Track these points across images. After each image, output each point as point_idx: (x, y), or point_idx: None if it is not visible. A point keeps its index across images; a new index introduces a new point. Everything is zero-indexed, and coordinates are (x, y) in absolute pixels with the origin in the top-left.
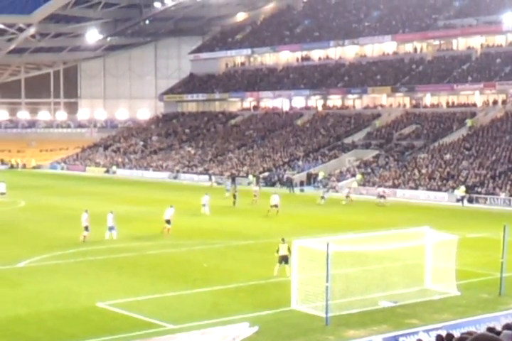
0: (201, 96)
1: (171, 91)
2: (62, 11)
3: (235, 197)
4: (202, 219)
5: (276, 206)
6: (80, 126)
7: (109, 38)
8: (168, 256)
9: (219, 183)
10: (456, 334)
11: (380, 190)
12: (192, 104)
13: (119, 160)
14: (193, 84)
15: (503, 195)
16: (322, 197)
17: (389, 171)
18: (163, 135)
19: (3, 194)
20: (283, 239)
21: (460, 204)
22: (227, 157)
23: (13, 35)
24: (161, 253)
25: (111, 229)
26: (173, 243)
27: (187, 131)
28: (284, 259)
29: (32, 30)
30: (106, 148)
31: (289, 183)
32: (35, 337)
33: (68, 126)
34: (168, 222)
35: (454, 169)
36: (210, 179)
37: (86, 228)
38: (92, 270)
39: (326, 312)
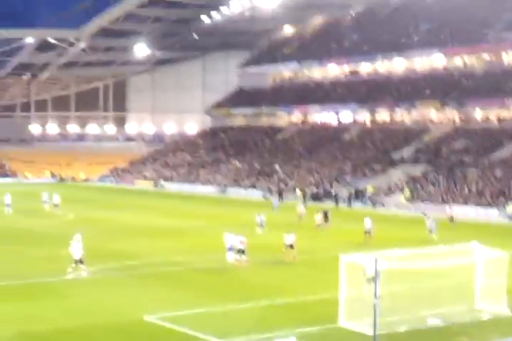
0: (249, 110)
1: (218, 105)
2: (112, 25)
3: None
4: (251, 234)
5: (368, 232)
6: (129, 139)
7: (157, 52)
8: (216, 270)
9: (266, 198)
10: None
11: (449, 210)
12: (240, 118)
13: (167, 173)
14: (240, 98)
15: None
16: (430, 232)
17: (438, 187)
18: (210, 149)
19: (56, 206)
20: None
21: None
22: (273, 172)
23: (63, 50)
24: (209, 268)
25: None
26: (220, 258)
27: (235, 144)
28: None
29: (82, 45)
30: (154, 161)
31: (336, 198)
32: None
33: (117, 140)
34: (291, 246)
35: (505, 185)
36: (272, 194)
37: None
38: (140, 283)
39: (374, 330)
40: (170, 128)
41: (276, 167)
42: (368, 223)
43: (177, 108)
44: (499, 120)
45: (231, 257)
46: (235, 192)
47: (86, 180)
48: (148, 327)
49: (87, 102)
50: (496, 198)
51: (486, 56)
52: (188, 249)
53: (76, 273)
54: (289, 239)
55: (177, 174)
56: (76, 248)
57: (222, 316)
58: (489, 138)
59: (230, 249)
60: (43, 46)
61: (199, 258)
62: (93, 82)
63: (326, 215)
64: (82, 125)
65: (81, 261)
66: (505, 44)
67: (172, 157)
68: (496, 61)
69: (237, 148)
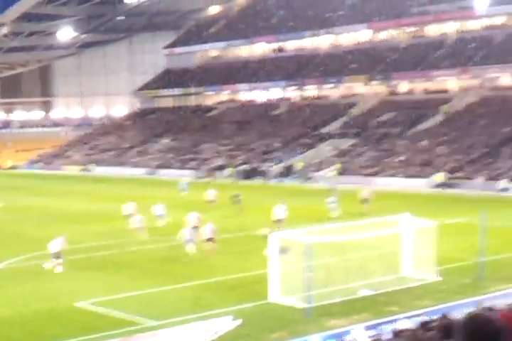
0: (177, 91)
1: (146, 86)
2: (35, 9)
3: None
4: (180, 214)
5: (279, 221)
6: (56, 124)
7: (83, 35)
8: (147, 252)
9: (199, 177)
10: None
11: (365, 192)
12: (168, 99)
13: (96, 157)
14: (168, 79)
15: (480, 180)
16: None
17: (366, 160)
18: (139, 131)
19: None
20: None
21: (438, 190)
22: (204, 151)
23: None
24: (141, 250)
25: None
26: (152, 239)
27: (164, 125)
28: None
29: (5, 30)
30: (82, 145)
31: (264, 174)
32: (18, 339)
33: (44, 125)
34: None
35: (431, 155)
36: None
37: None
38: (72, 269)
39: (307, 303)
40: (98, 111)
41: (206, 146)
42: (279, 211)
43: (105, 91)
44: (424, 92)
45: (191, 248)
46: (166, 174)
47: (13, 167)
48: (82, 313)
49: (12, 88)
50: (423, 168)
51: (410, 29)
52: (120, 233)
53: (52, 265)
54: (193, 220)
55: (106, 157)
56: (56, 243)
57: (157, 298)
58: (415, 110)
59: (190, 241)
60: None
61: (130, 241)
62: (17, 68)
63: (237, 198)
64: (8, 111)
65: (58, 256)
66: (428, 17)
67: (101, 140)
68: (420, 34)
69: (167, 129)
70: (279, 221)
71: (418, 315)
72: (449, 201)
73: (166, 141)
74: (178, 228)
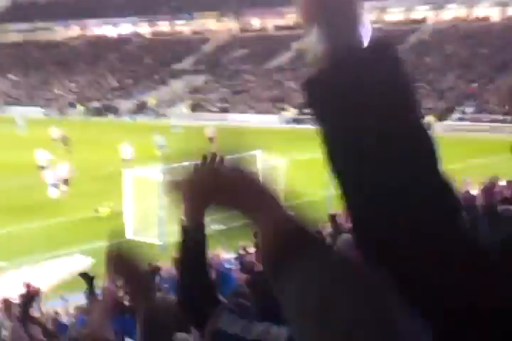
0: (25, 26)
1: None
2: None
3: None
4: (22, 153)
5: (125, 159)
6: None
7: None
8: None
9: (48, 115)
10: None
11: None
12: (16, 34)
13: None
14: (15, 13)
15: None
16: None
17: (219, 96)
18: None
19: None
20: None
21: (290, 126)
22: (54, 87)
23: None
24: None
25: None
26: None
27: (12, 62)
28: None
29: None
30: None
31: (115, 111)
32: None
33: None
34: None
35: (282, 91)
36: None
37: None
38: None
39: (162, 239)
40: None
41: (56, 83)
42: (125, 149)
43: None
44: (276, 29)
45: (54, 191)
46: (14, 111)
47: None
48: None
49: None
50: (274, 104)
51: None
52: None
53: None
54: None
55: None
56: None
57: (7, 238)
58: (267, 47)
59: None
60: None
61: None
62: None
63: (64, 140)
64: None
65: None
66: None
67: None
68: None
69: (15, 66)
70: (125, 159)
71: None
72: (301, 137)
73: (14, 78)
74: (23, 168)
